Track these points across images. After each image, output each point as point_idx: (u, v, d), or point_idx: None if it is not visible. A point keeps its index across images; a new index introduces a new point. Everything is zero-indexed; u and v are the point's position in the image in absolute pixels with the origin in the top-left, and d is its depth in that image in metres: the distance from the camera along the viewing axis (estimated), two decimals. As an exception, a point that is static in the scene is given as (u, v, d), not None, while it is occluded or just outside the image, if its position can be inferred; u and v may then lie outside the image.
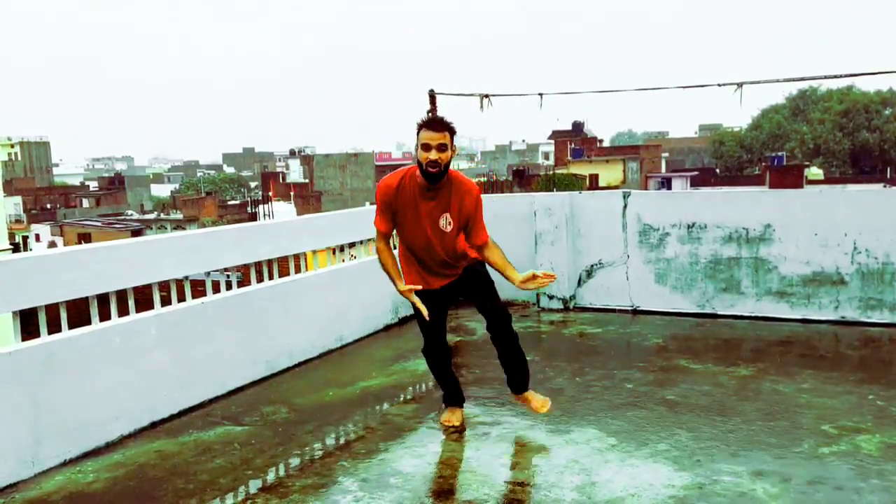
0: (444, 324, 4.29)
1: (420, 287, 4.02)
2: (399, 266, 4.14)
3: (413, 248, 4.05)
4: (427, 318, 4.04)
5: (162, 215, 57.33)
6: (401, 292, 4.04)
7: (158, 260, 4.73)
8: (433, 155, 3.76)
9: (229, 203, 60.77)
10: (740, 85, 6.36)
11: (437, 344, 4.26)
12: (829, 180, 49.81)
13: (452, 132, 3.85)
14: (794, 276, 6.38)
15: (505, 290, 7.39)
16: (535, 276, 3.96)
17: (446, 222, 3.95)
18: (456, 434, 4.25)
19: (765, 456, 3.77)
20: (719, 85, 6.54)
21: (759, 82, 6.47)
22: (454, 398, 4.43)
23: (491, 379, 5.16)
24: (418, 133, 3.83)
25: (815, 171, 54.39)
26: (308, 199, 53.65)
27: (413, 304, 4.06)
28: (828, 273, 6.28)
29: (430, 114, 3.89)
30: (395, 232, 4.13)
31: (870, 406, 4.40)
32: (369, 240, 6.79)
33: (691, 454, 3.82)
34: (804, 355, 5.51)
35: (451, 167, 3.96)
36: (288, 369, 5.56)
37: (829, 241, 6.24)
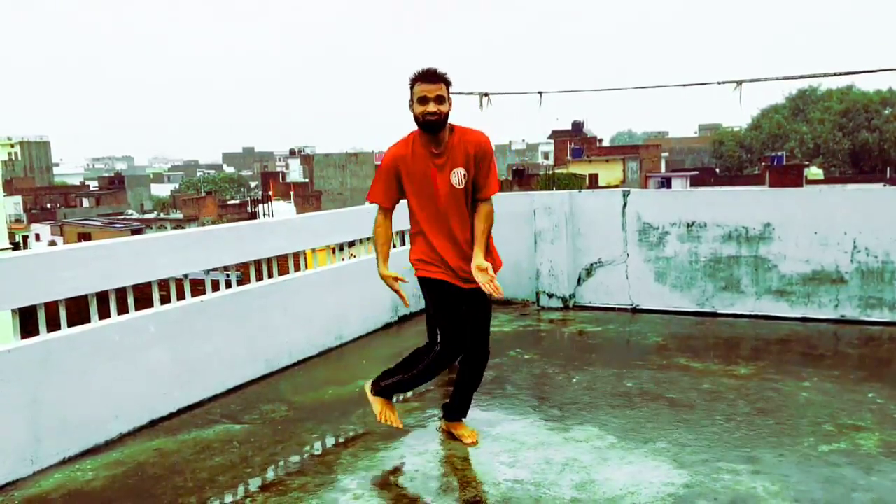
0: (484, 327, 3.97)
1: (400, 281, 3.90)
2: (387, 249, 3.93)
3: (429, 225, 3.80)
4: (406, 305, 3.93)
5: (162, 215, 57.39)
6: (382, 276, 3.89)
7: (157, 258, 4.73)
8: (431, 107, 3.63)
9: (229, 203, 60.83)
10: (740, 83, 6.36)
11: (464, 341, 3.88)
12: (829, 180, 49.80)
13: (448, 83, 3.72)
14: (794, 274, 6.38)
15: (506, 290, 7.41)
16: (487, 276, 3.66)
17: (458, 178, 3.76)
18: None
19: (764, 454, 3.77)
20: (719, 83, 6.54)
21: (758, 80, 6.47)
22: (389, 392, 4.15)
23: (490, 378, 5.16)
24: (412, 87, 3.69)
25: (814, 171, 54.38)
26: (308, 198, 53.67)
27: (440, 301, 3.84)
28: (828, 272, 6.27)
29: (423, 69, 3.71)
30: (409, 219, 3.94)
31: (869, 404, 4.40)
32: (369, 238, 6.79)
33: (691, 452, 3.82)
34: (804, 354, 5.50)
35: (477, 130, 3.85)
36: (287, 368, 5.56)
37: (828, 239, 6.24)
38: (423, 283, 3.91)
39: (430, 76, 3.69)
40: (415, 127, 3.78)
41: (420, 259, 3.88)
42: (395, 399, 4.25)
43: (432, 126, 3.68)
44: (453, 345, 3.84)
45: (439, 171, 3.76)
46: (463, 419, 4.16)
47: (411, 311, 4.25)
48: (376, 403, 4.13)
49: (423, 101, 3.65)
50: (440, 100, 3.66)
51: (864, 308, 6.18)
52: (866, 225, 6.12)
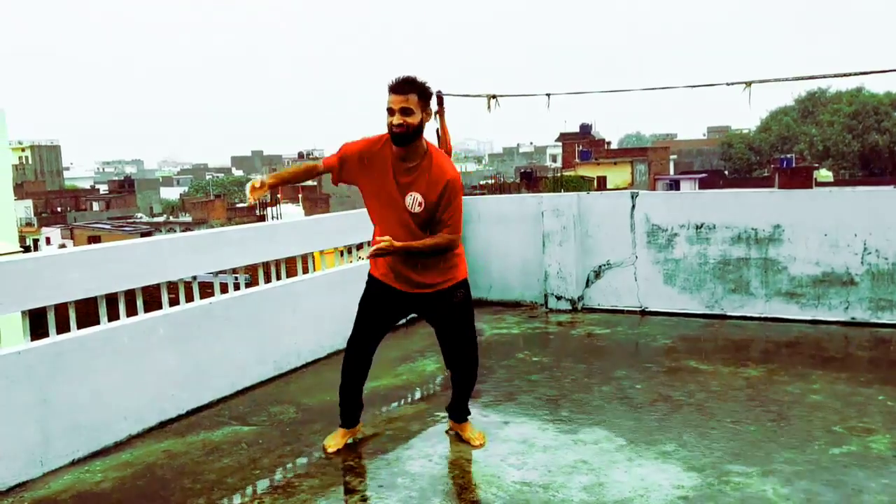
0: (380, 333, 3.98)
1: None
2: (292, 178, 3.79)
3: (384, 225, 3.70)
4: (247, 198, 3.60)
5: (171, 218, 57.54)
6: (252, 183, 3.58)
7: (166, 260, 4.74)
8: (396, 119, 3.48)
9: (238, 205, 60.92)
10: (749, 84, 6.33)
11: (361, 345, 3.95)
12: (838, 182, 49.58)
13: (422, 93, 3.53)
14: (804, 276, 6.35)
15: (514, 293, 7.43)
16: (384, 245, 3.52)
17: (414, 201, 3.60)
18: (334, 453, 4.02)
19: (774, 456, 3.75)
20: (728, 84, 6.51)
21: (768, 81, 6.44)
22: (350, 417, 4.11)
23: (498, 380, 5.15)
24: (387, 99, 3.53)
25: (824, 174, 54.17)
26: (316, 201, 53.75)
27: (368, 292, 3.87)
28: (838, 274, 6.24)
29: (399, 77, 3.57)
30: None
31: (880, 407, 4.37)
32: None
33: (700, 455, 3.80)
34: (814, 356, 5.47)
35: (454, 166, 3.74)
36: (296, 369, 5.57)
37: (838, 241, 6.21)
38: (368, 276, 3.94)
39: (397, 86, 3.51)
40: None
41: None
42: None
43: (398, 138, 3.53)
44: (350, 341, 4.00)
45: (398, 185, 3.63)
46: (468, 420, 4.16)
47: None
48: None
49: (390, 112, 3.51)
50: (406, 111, 3.48)
51: (875, 310, 6.15)
52: (876, 227, 6.09)
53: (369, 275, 3.95)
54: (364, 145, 3.71)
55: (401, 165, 3.63)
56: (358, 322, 3.96)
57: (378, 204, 3.73)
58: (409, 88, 3.50)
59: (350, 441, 4.13)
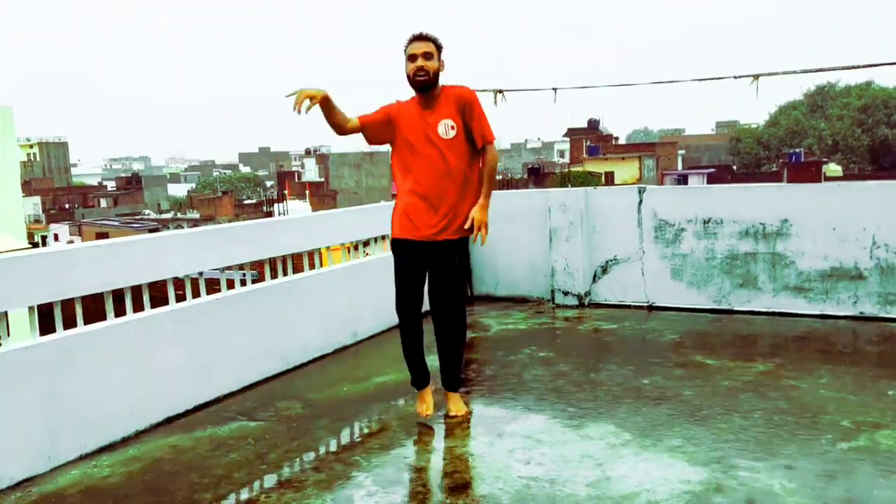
0: (421, 288, 4.19)
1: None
2: (333, 116, 4.00)
3: (417, 171, 4.04)
4: (294, 102, 3.76)
5: (178, 215, 57.70)
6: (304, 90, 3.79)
7: (173, 256, 4.75)
8: (419, 62, 3.91)
9: (245, 202, 61.07)
10: (757, 77, 6.30)
11: (409, 305, 4.17)
12: (847, 177, 49.32)
13: (438, 45, 3.98)
14: (812, 271, 6.32)
15: (521, 288, 7.41)
16: (478, 226, 4.04)
17: (446, 129, 3.99)
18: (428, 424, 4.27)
19: (782, 451, 3.73)
20: (735, 77, 6.48)
21: (776, 73, 6.41)
22: (420, 380, 4.37)
23: (505, 375, 5.15)
24: (405, 51, 3.98)
25: (833, 168, 53.87)
26: (323, 197, 53.78)
27: (396, 257, 4.13)
28: (846, 268, 6.21)
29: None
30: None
31: (889, 401, 4.35)
32: (384, 237, 6.80)
33: (707, 450, 3.79)
34: (822, 351, 5.45)
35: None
36: (302, 365, 5.58)
37: (847, 235, 6.18)
38: (391, 242, 4.22)
39: (417, 36, 3.97)
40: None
41: (392, 219, 4.19)
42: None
43: (423, 85, 3.95)
44: (397, 308, 4.22)
45: (427, 124, 4.01)
46: (458, 392, 4.39)
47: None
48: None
49: (412, 58, 3.93)
50: (428, 56, 3.93)
51: (884, 304, 6.11)
52: (885, 221, 6.05)
53: (392, 240, 4.20)
54: (389, 108, 4.11)
55: (424, 112, 4.03)
56: (397, 286, 4.20)
57: (413, 152, 4.04)
58: (428, 38, 3.98)
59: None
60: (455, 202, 4.05)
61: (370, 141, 4.16)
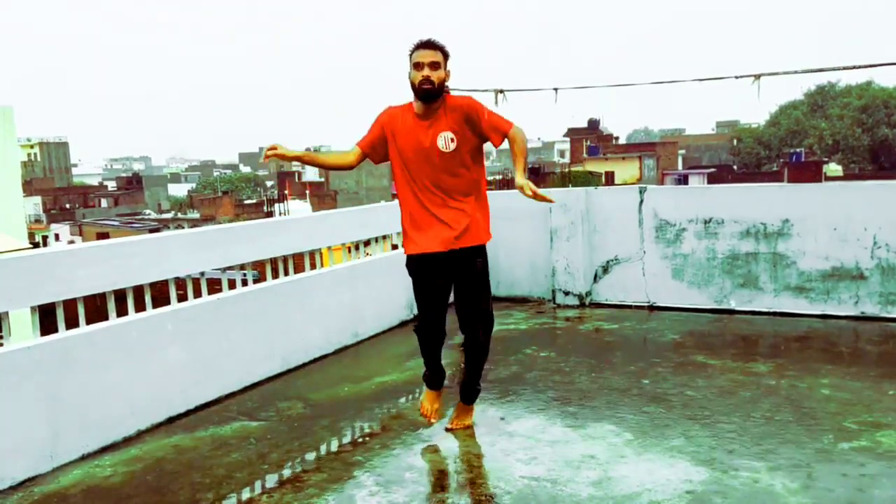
0: (444, 302, 4.02)
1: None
2: (330, 161, 4.21)
3: (415, 181, 3.87)
4: (261, 155, 3.91)
5: (179, 215, 57.72)
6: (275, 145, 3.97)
7: (174, 256, 4.76)
8: (426, 72, 3.71)
9: (246, 202, 61.05)
10: (758, 76, 6.30)
11: (433, 324, 4.03)
12: (848, 177, 49.30)
13: (445, 53, 3.80)
14: (813, 271, 6.31)
15: (522, 288, 7.41)
16: (529, 191, 3.77)
17: (446, 142, 3.80)
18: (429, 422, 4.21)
19: (783, 451, 3.73)
20: (736, 77, 6.47)
21: (777, 73, 6.41)
22: (435, 381, 4.23)
23: (506, 375, 5.15)
24: (410, 56, 3.78)
25: (833, 168, 53.87)
26: (324, 197, 53.82)
27: (415, 277, 3.97)
28: (847, 268, 6.21)
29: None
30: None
31: (890, 401, 4.35)
32: (384, 237, 6.80)
33: (708, 449, 3.79)
34: (823, 351, 5.45)
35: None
36: (303, 365, 5.58)
37: (848, 235, 6.18)
38: (407, 259, 4.04)
39: (425, 43, 3.77)
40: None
41: (404, 235, 4.02)
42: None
43: (427, 94, 3.75)
44: (420, 324, 4.06)
45: (425, 137, 3.82)
46: (472, 404, 4.25)
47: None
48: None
49: (419, 66, 3.73)
50: (435, 65, 3.73)
51: (885, 304, 6.11)
52: (886, 221, 6.05)
53: (407, 258, 4.03)
54: (382, 120, 3.95)
55: (422, 123, 3.84)
56: (419, 305, 4.05)
57: (410, 166, 3.88)
58: (436, 46, 3.77)
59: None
60: (466, 209, 3.90)
61: (377, 162, 4.01)
